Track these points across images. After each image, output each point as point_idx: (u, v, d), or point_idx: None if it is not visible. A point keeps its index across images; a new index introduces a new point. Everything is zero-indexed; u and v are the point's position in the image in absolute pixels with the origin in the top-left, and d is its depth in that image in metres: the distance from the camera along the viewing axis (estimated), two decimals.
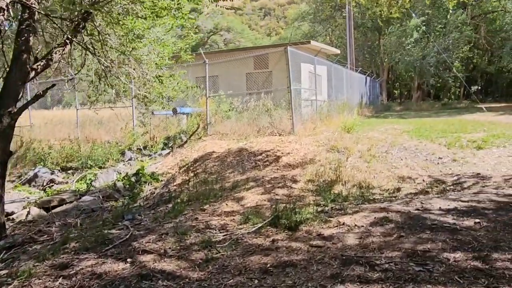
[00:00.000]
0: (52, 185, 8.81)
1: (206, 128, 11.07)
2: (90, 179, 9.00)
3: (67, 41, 5.67)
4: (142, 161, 9.85)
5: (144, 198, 7.11)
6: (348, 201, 5.29)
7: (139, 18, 6.95)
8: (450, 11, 25.06)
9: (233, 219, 4.57)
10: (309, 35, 34.59)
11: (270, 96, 12.18)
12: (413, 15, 24.76)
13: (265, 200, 5.25)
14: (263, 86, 14.48)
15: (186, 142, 10.07)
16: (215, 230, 4.22)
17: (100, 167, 9.86)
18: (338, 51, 20.34)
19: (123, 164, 10.19)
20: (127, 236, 4.08)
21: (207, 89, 11.20)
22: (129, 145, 11.50)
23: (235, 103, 12.28)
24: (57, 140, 11.90)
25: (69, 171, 9.98)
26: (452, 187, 5.97)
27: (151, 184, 7.70)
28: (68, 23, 5.85)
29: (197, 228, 4.27)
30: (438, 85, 36.46)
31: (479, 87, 40.93)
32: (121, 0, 6.25)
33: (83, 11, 5.65)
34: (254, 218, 4.42)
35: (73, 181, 8.97)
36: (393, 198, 5.34)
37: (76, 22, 5.85)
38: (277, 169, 6.99)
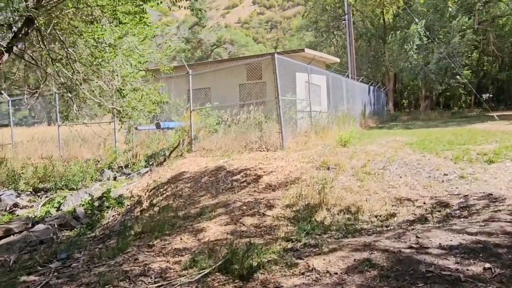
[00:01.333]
0: (15, 210, 8.00)
1: (191, 144, 10.24)
2: (58, 202, 8.19)
3: (3, 49, 4.93)
4: (117, 181, 9.02)
5: (105, 226, 6.25)
6: (328, 232, 4.35)
7: (102, 25, 6.24)
8: (451, 9, 23.82)
9: (180, 260, 3.67)
10: (313, 45, 33.78)
11: (261, 108, 11.33)
12: (416, 20, 23.81)
13: (227, 233, 4.33)
14: (256, 97, 13.67)
15: (165, 160, 9.22)
16: (151, 278, 3.33)
17: (72, 188, 9.04)
18: (338, 60, 19.46)
19: (100, 185, 9.37)
20: None
21: (191, 101, 10.40)
22: (110, 163, 10.71)
23: (224, 116, 11.44)
24: (34, 158, 11.17)
25: (40, 193, 9.20)
26: (457, 211, 4.98)
27: (114, 209, 6.84)
28: (5, 28, 5.12)
29: (129, 274, 3.38)
30: (448, 93, 35.19)
31: (491, 95, 39.45)
32: (73, 2, 5.53)
33: (22, 15, 4.93)
34: (203, 260, 3.52)
35: (38, 204, 8.16)
36: (384, 228, 4.38)
37: (17, 28, 5.13)
38: (255, 191, 6.05)
